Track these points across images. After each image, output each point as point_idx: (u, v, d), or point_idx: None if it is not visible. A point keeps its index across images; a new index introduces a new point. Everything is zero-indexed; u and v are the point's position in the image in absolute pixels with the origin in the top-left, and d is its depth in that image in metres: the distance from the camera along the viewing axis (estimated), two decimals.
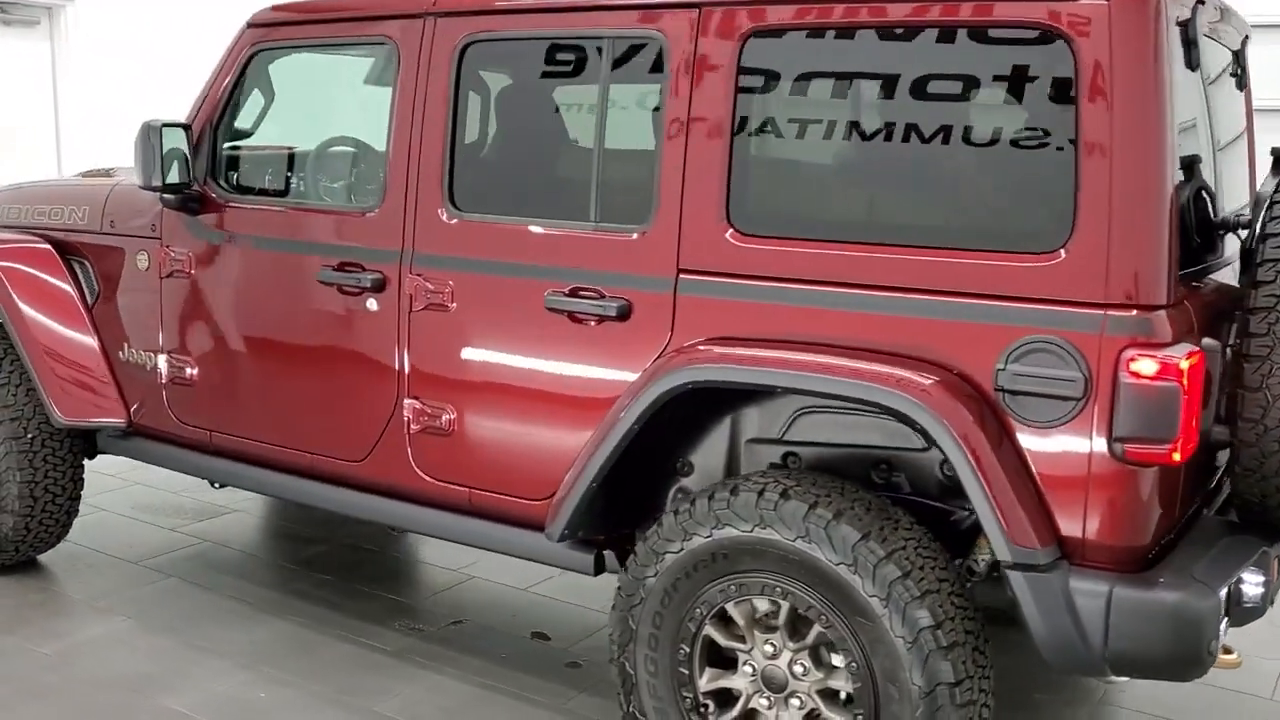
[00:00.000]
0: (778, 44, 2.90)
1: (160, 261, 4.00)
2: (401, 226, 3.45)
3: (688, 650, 2.97)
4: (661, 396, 2.92)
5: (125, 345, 4.17)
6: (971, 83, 2.71)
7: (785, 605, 2.83)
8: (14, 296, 4.20)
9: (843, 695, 2.84)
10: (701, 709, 2.98)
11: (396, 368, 3.50)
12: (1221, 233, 3.00)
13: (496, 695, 3.73)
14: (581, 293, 3.14)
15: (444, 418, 3.41)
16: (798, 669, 2.86)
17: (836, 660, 2.83)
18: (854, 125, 2.84)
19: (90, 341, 4.25)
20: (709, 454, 3.22)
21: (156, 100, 8.85)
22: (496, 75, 3.41)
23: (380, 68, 4.09)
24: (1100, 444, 2.56)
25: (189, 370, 3.98)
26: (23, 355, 4.20)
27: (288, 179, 4.10)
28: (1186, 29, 2.71)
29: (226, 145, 3.91)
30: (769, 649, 2.89)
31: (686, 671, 2.98)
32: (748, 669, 2.93)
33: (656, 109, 3.05)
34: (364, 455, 3.61)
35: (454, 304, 3.36)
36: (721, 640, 2.94)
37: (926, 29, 2.73)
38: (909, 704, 2.68)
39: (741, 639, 2.93)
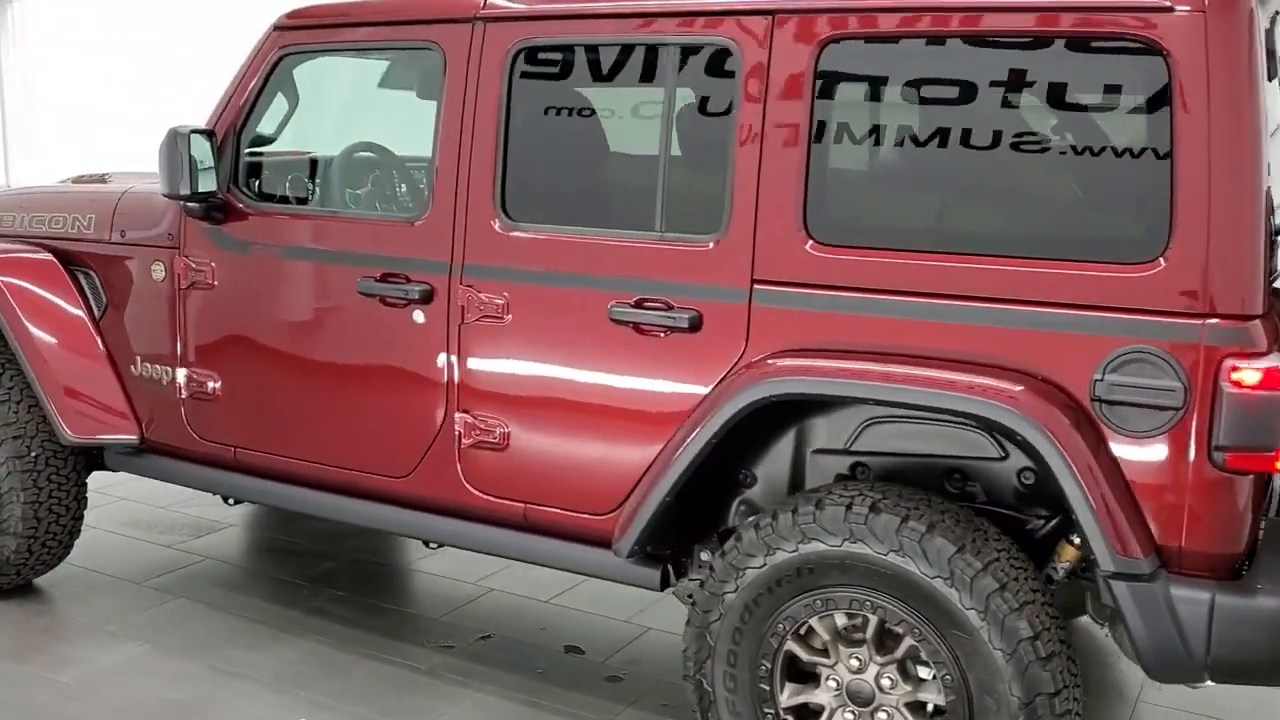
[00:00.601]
0: (858, 50, 2.87)
1: (179, 272, 3.85)
2: (450, 237, 3.36)
3: (769, 666, 2.93)
4: (746, 408, 2.88)
5: (138, 359, 4.01)
6: (1063, 92, 2.69)
7: (874, 619, 2.81)
8: (17, 310, 4.02)
9: (930, 707, 2.83)
10: None
11: (445, 381, 3.40)
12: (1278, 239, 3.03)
13: (542, 712, 3.66)
14: (648, 304, 3.08)
15: (498, 432, 3.33)
16: (885, 682, 2.84)
17: (924, 673, 2.82)
18: (940, 134, 2.81)
19: (99, 356, 4.08)
20: (773, 465, 3.18)
21: (108, 99, 8.64)
22: (551, 82, 3.32)
23: (408, 72, 3.99)
24: (1199, 453, 2.57)
25: (211, 384, 3.84)
26: (27, 371, 4.02)
27: (321, 186, 3.97)
28: (1269, 38, 2.73)
29: (252, 152, 3.78)
30: (854, 663, 2.87)
31: (768, 688, 2.94)
32: (831, 683, 2.90)
33: (727, 116, 3.00)
34: (408, 471, 3.51)
35: (509, 316, 3.28)
36: (804, 655, 2.91)
37: (1017, 38, 2.71)
38: (1007, 715, 2.67)
39: (825, 653, 2.90)
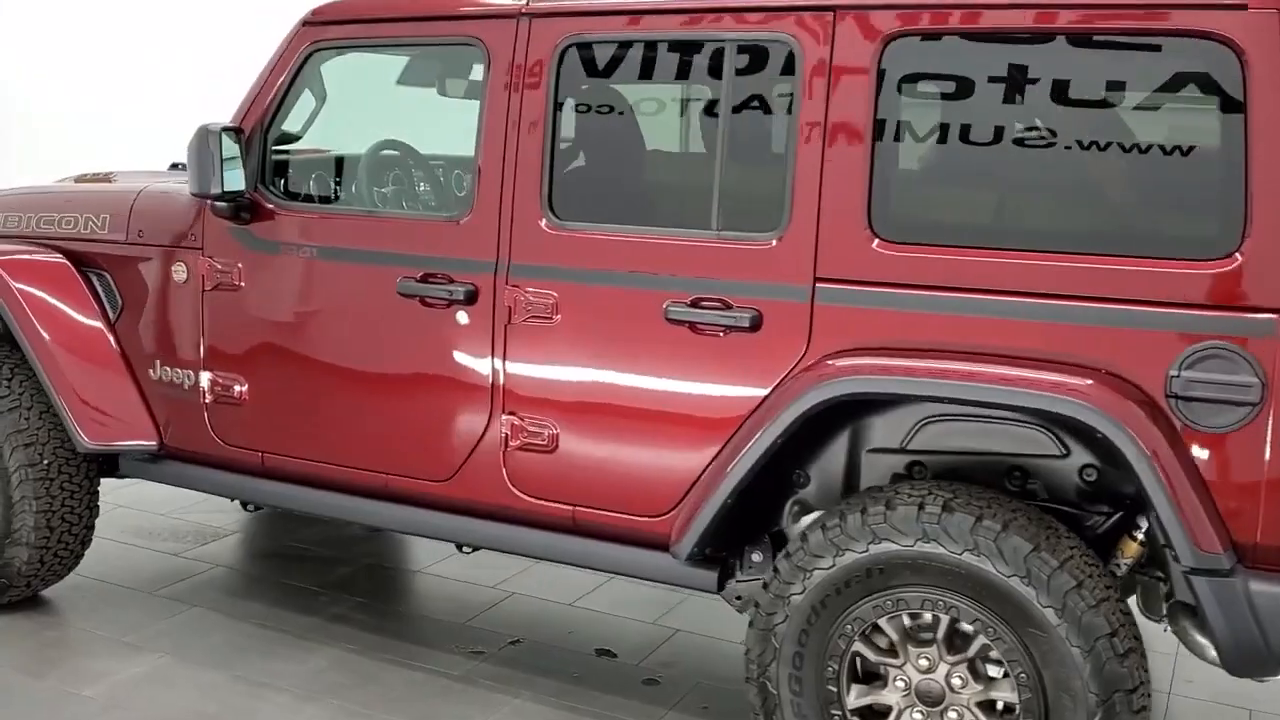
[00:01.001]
0: (923, 47, 2.86)
1: (203, 273, 3.75)
2: (496, 236, 3.30)
3: (836, 667, 2.90)
4: (815, 408, 2.85)
5: (156, 363, 3.91)
6: (1136, 89, 2.70)
7: (946, 619, 2.80)
8: (30, 314, 3.90)
9: (1000, 705, 2.82)
10: None
11: (490, 383, 3.35)
12: None
13: (583, 718, 3.61)
14: (704, 303, 3.04)
15: (545, 434, 3.28)
16: (955, 681, 2.83)
17: (993, 671, 2.81)
18: (1008, 131, 2.81)
19: (115, 360, 3.97)
20: (827, 465, 3.16)
21: (57, 96, 8.40)
22: (601, 78, 3.27)
23: (428, 69, 3.93)
24: (1275, 448, 2.58)
25: (237, 388, 3.74)
26: (42, 377, 3.90)
27: (355, 185, 3.89)
28: None
29: (281, 150, 3.69)
30: (923, 662, 2.85)
31: (834, 689, 2.91)
32: (900, 684, 2.88)
33: (787, 114, 2.97)
34: (449, 474, 3.44)
35: (558, 316, 3.23)
36: (871, 656, 2.89)
37: (1087, 35, 2.71)
38: (1084, 712, 2.67)
39: (892, 653, 2.88)
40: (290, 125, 3.68)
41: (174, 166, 4.86)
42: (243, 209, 3.64)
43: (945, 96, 2.89)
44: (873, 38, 2.87)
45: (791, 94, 2.96)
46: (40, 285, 3.96)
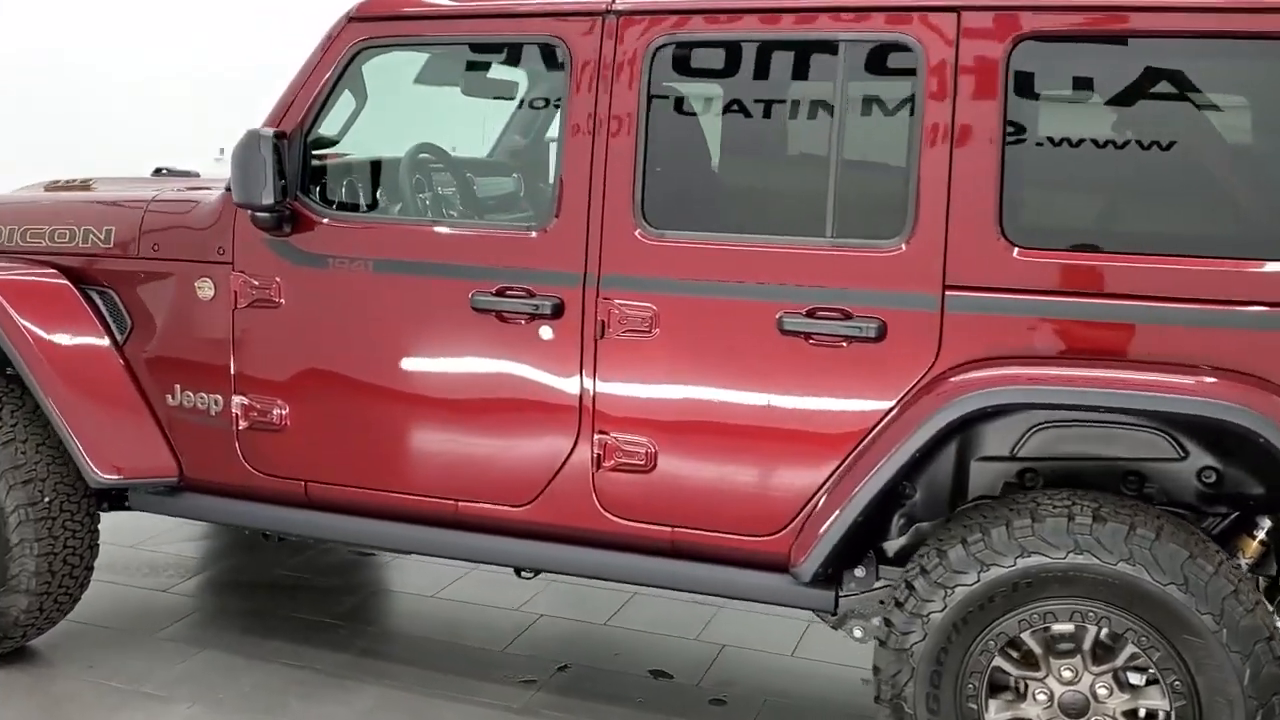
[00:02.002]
0: (1054, 49, 2.80)
1: (235, 289, 3.45)
2: (583, 246, 3.12)
3: (977, 685, 2.84)
4: (954, 421, 2.78)
5: (176, 388, 3.59)
6: (1270, 92, 2.70)
7: (1093, 629, 2.76)
8: (31, 340, 3.53)
9: (1142, 713, 2.80)
10: None
11: (577, 401, 3.17)
12: None
13: None
14: (822, 313, 2.93)
15: (643, 453, 3.12)
16: (1101, 691, 2.80)
17: (1134, 678, 2.79)
18: (1142, 133, 2.77)
19: (125, 385, 3.63)
20: (934, 475, 3.09)
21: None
22: (699, 81, 3.12)
23: (449, 68, 3.71)
24: None
25: (277, 413, 3.46)
26: (46, 407, 3.53)
27: (414, 193, 3.63)
28: None
29: (326, 156, 3.43)
30: (1067, 674, 2.81)
31: (975, 706, 2.85)
32: (1042, 696, 2.83)
33: (910, 117, 2.88)
34: (530, 498, 3.25)
35: (657, 329, 3.07)
36: (1013, 670, 2.84)
37: (1221, 37, 2.70)
38: (1242, 716, 2.66)
39: (1034, 666, 2.83)
40: (331, 129, 3.41)
41: (158, 172, 4.50)
42: (285, 220, 3.36)
43: (1076, 99, 2.84)
44: (1001, 39, 2.80)
45: (913, 96, 2.87)
46: (40, 307, 3.59)
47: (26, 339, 3.52)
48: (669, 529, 3.15)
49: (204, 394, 3.55)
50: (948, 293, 2.86)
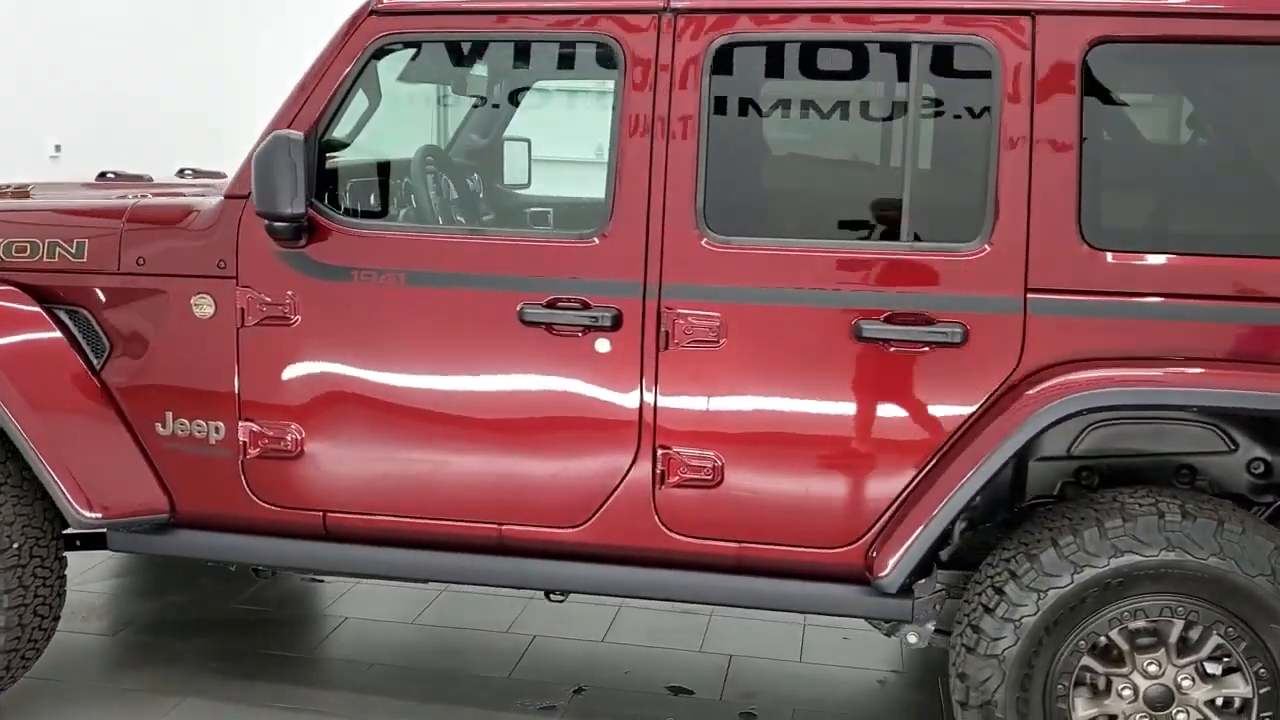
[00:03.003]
0: (1129, 52, 2.83)
1: (241, 306, 3.16)
2: (642, 254, 2.99)
3: (1065, 685, 2.86)
4: (1047, 426, 2.78)
5: (168, 415, 3.26)
6: None
7: (1179, 623, 2.81)
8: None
9: (1218, 701, 2.87)
10: None
11: (637, 416, 3.03)
12: None
13: None
14: (900, 319, 2.89)
15: (709, 467, 3.01)
16: (1185, 683, 2.85)
17: (1211, 668, 2.86)
18: (1220, 134, 2.84)
19: (106, 414, 3.27)
20: (996, 477, 3.09)
21: None
22: (764, 82, 3.02)
23: (435, 65, 3.51)
24: None
25: (291, 438, 3.19)
26: (20, 442, 3.16)
27: (445, 199, 3.39)
28: None
29: (350, 160, 3.17)
30: (1153, 668, 2.85)
31: (1064, 706, 2.87)
32: (1127, 692, 2.87)
33: (986, 120, 2.86)
34: (584, 519, 3.10)
35: (724, 340, 2.97)
36: (1099, 668, 2.87)
37: None
38: None
39: (1119, 662, 2.87)
40: (344, 131, 3.17)
41: (103, 175, 4.09)
42: (303, 229, 3.09)
43: (1152, 104, 2.88)
44: (1076, 42, 2.82)
45: (990, 99, 2.86)
46: (4, 332, 3.20)
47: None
48: (735, 544, 3.05)
49: (201, 421, 3.24)
50: (1030, 295, 2.86)
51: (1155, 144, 2.90)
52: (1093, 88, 2.83)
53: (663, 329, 2.98)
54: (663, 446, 3.03)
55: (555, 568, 3.16)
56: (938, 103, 2.96)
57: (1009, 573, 2.86)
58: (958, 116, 2.95)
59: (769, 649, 4.08)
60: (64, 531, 3.42)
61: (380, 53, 3.11)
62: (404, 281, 3.09)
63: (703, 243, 2.96)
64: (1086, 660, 2.85)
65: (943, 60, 2.90)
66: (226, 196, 3.20)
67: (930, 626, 3.12)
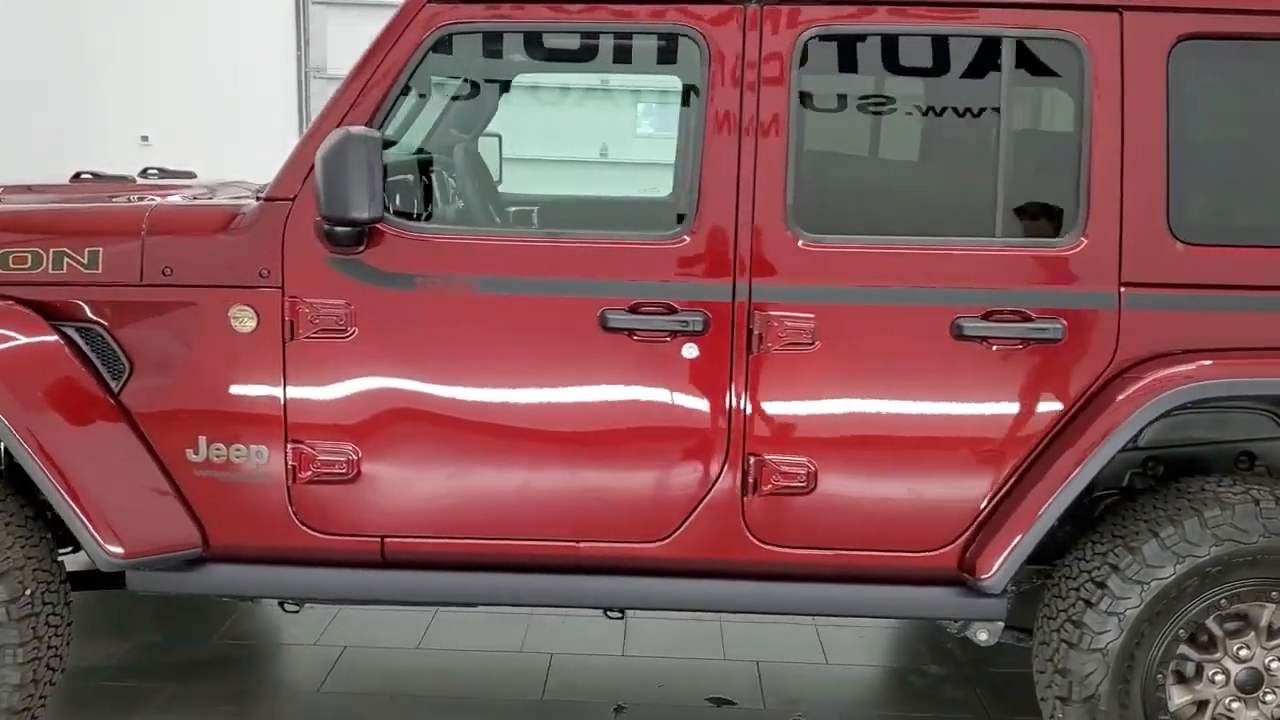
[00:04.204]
0: (1214, 48, 2.87)
1: (289, 318, 2.90)
2: (730, 256, 2.88)
3: (1164, 673, 2.89)
4: (1156, 418, 2.80)
5: (201, 440, 2.97)
6: None
7: (1270, 608, 2.88)
8: (11, 398, 2.81)
9: None
10: None
11: (726, 423, 2.92)
12: None
13: None
14: (998, 316, 2.87)
15: (803, 474, 2.93)
16: (1275, 665, 2.92)
17: None
18: None
19: (129, 442, 2.96)
20: None
21: None
22: (851, 76, 2.94)
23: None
24: None
25: (347, 460, 2.95)
26: (39, 477, 2.83)
27: (486, 198, 3.17)
28: None
29: (394, 158, 2.95)
30: (1244, 652, 2.91)
31: (1162, 695, 2.90)
32: (1219, 677, 2.92)
33: (1078, 114, 2.86)
34: (668, 532, 2.97)
35: (817, 341, 2.88)
36: (1194, 655, 2.91)
37: None
38: None
39: (1212, 649, 2.92)
40: (416, 128, 2.95)
41: (77, 177, 3.71)
42: (361, 235, 2.86)
43: (1237, 101, 2.93)
44: (1163, 39, 2.84)
45: (1081, 94, 2.86)
46: (15, 358, 2.86)
47: (11, 396, 2.80)
48: (830, 552, 2.98)
49: (241, 445, 2.96)
50: (1124, 290, 2.87)
51: (1240, 139, 2.96)
52: (1179, 83, 2.86)
53: (754, 332, 2.88)
54: (753, 454, 2.93)
55: (637, 585, 3.02)
56: (1031, 97, 2.95)
57: (1109, 566, 2.87)
58: (1052, 111, 2.95)
59: (792, 653, 4.02)
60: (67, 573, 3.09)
61: (439, 44, 2.90)
62: (474, 288, 2.90)
63: (796, 242, 2.87)
64: (1183, 649, 2.89)
65: (1033, 55, 2.88)
66: (267, 199, 2.93)
67: (1001, 623, 3.11)
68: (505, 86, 3.78)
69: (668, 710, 3.64)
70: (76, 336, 2.96)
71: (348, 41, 10.44)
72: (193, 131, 9.82)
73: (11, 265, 2.97)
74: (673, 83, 3.54)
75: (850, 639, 4.15)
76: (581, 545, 2.99)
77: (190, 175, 3.99)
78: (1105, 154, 2.85)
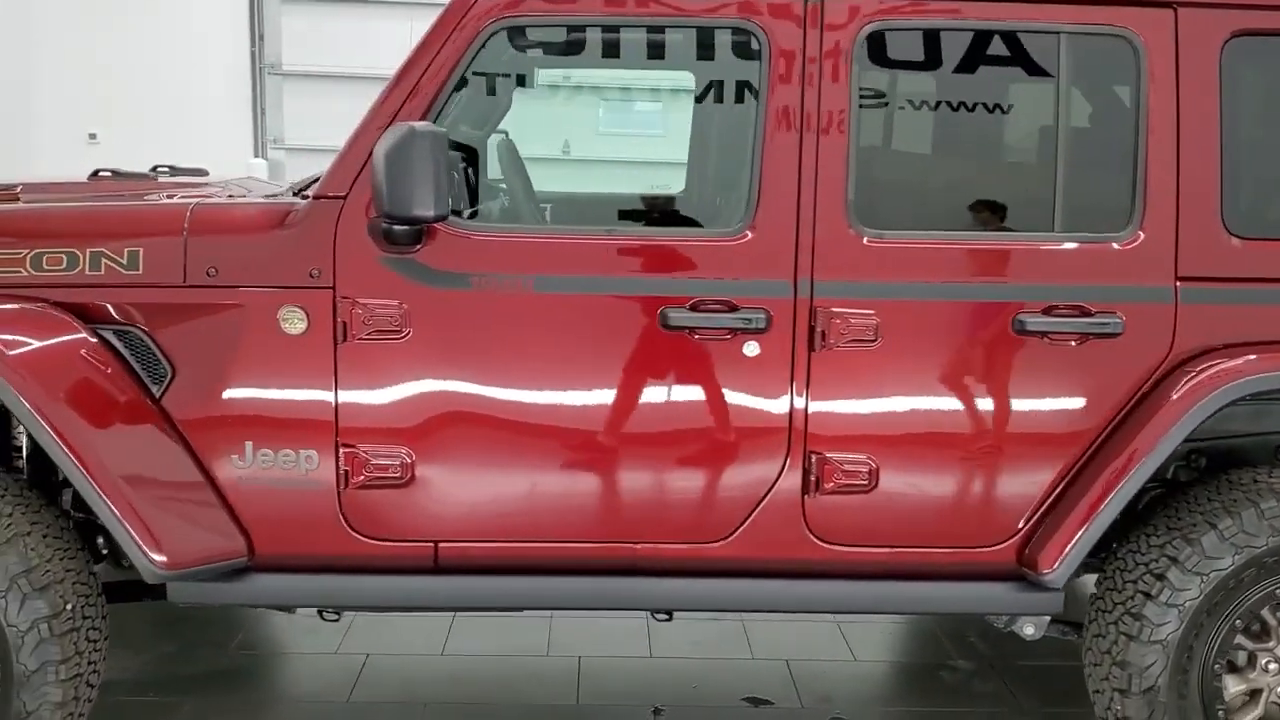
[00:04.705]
0: (1266, 44, 2.90)
1: (343, 320, 2.82)
2: (791, 252, 2.85)
3: (1222, 663, 2.92)
4: (1215, 411, 2.83)
5: (248, 446, 2.87)
6: None
7: None
8: (58, 408, 2.70)
9: None
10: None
11: (786, 421, 2.89)
12: None
13: None
14: (1058, 310, 2.88)
15: (864, 471, 2.91)
16: None
17: None
18: None
19: (172, 449, 2.86)
20: None
21: None
22: (914, 71, 2.93)
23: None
24: None
25: (400, 464, 2.87)
26: (85, 488, 2.72)
27: (528, 194, 3.10)
28: None
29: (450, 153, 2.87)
30: None
31: (1218, 685, 2.93)
32: (1273, 666, 2.96)
33: (1134, 112, 2.88)
34: (728, 532, 2.94)
35: (879, 338, 2.87)
36: (1248, 645, 2.95)
37: None
38: None
39: (1266, 637, 2.95)
40: (470, 124, 2.88)
41: (95, 174, 3.58)
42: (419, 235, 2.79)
43: None
44: (1215, 36, 2.87)
45: (1137, 90, 2.88)
46: (56, 364, 2.75)
47: (55, 406, 2.69)
48: (888, 550, 2.97)
49: (290, 450, 2.88)
50: (1180, 284, 2.90)
51: None
52: (1231, 80, 2.89)
53: (817, 329, 2.85)
54: (814, 452, 2.91)
55: (695, 586, 2.98)
56: (1088, 92, 2.96)
57: (1168, 559, 2.89)
58: (1108, 106, 2.96)
59: (819, 650, 4.02)
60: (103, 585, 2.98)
61: (496, 37, 2.83)
62: (531, 287, 2.84)
63: (859, 238, 2.85)
64: (1239, 639, 2.92)
65: (1089, 51, 2.90)
66: (317, 197, 2.85)
67: (1048, 617, 3.12)
68: (521, 81, 3.72)
69: (705, 711, 3.61)
70: (114, 340, 2.85)
71: (304, 36, 10.32)
72: (143, 129, 9.62)
73: (45, 267, 2.86)
74: (676, 80, 3.50)
75: (873, 635, 4.15)
76: (639, 546, 2.95)
77: (202, 173, 3.87)
78: (1161, 149, 2.87)
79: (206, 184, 3.64)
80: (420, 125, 2.62)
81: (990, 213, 3.01)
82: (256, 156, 10.41)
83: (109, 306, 2.85)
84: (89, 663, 2.88)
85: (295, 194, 3.20)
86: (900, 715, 3.62)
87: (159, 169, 3.87)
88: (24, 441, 3.06)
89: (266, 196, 3.23)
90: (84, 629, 2.85)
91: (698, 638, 4.05)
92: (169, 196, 3.21)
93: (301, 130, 10.31)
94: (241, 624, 4.09)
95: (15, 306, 2.79)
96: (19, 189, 3.27)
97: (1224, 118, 2.89)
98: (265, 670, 3.82)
